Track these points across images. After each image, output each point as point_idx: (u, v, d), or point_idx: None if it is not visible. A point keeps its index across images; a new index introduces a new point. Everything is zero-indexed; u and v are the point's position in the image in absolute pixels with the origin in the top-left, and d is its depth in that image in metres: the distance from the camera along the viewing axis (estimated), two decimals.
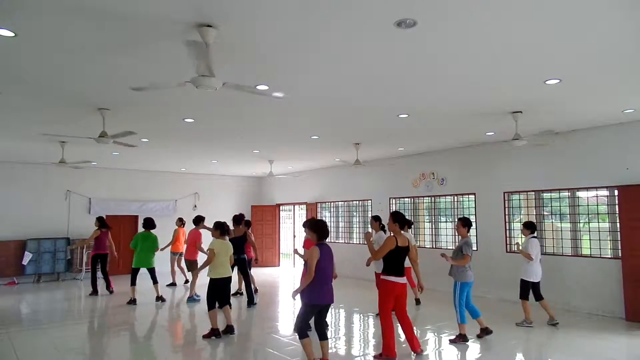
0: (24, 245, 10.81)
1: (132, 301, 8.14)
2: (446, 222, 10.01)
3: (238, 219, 8.13)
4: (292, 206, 14.44)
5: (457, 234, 7.89)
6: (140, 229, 8.69)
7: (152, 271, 8.40)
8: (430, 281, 9.21)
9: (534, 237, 6.48)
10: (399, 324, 5.16)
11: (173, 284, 10.34)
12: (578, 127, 7.30)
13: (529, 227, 6.53)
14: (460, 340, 5.55)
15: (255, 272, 12.98)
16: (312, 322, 4.80)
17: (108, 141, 6.19)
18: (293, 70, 4.46)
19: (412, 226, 8.48)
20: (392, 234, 5.04)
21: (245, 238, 8.13)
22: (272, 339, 5.92)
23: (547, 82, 4.90)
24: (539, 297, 6.40)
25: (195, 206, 13.92)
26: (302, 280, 4.59)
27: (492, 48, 3.91)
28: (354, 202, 12.08)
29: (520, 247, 6.48)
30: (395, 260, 4.91)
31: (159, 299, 8.38)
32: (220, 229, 6.24)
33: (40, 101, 5.55)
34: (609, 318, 6.82)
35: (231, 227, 7.61)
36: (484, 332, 5.74)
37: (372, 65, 4.35)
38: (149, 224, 8.52)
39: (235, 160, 11.24)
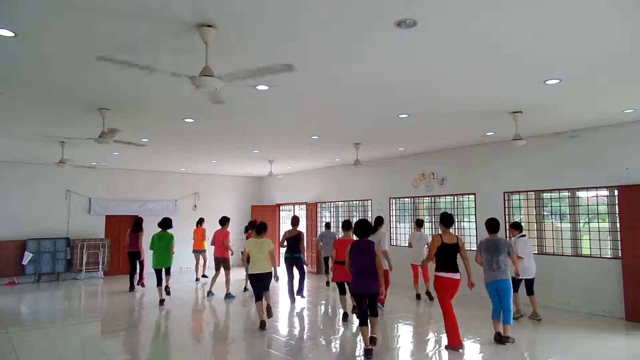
0: (24, 245, 10.81)
1: (160, 302, 8.30)
2: None
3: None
4: (292, 206, 14.43)
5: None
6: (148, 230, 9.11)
7: (167, 270, 8.50)
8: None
9: (522, 235, 6.79)
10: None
11: (196, 279, 11.31)
12: (578, 127, 7.30)
13: (517, 227, 6.90)
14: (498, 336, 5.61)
15: None
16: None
17: (108, 141, 6.20)
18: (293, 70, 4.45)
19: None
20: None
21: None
22: (272, 339, 5.92)
23: (547, 82, 4.90)
24: (514, 290, 6.39)
25: (195, 206, 13.92)
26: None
27: (492, 48, 3.91)
28: (354, 202, 12.09)
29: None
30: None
31: (162, 302, 8.32)
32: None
33: (40, 101, 5.55)
34: (609, 318, 6.82)
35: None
36: (497, 335, 5.61)
37: (372, 65, 4.35)
38: (164, 224, 8.66)
39: (235, 160, 11.24)
